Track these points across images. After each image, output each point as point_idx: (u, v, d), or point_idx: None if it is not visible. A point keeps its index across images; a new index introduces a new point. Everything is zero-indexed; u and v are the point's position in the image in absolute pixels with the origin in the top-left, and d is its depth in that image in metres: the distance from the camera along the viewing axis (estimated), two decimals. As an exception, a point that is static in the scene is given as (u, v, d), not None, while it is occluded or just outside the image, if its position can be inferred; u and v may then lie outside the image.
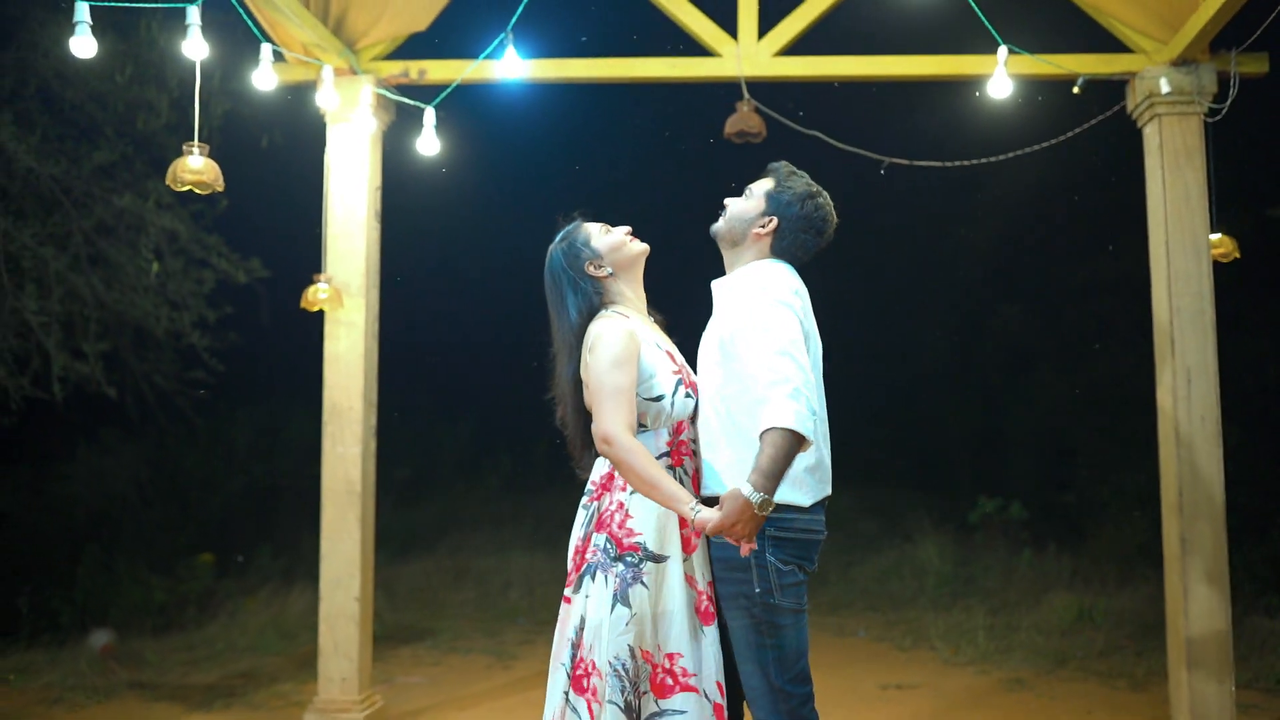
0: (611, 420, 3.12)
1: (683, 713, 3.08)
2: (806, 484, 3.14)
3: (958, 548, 10.58)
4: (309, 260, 5.75)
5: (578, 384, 3.35)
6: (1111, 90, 5.65)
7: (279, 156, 8.93)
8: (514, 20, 5.32)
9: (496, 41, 5.39)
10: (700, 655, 3.15)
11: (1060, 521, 10.75)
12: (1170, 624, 5.32)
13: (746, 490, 2.85)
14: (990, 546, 10.69)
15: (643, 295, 3.53)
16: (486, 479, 14.52)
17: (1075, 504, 11.06)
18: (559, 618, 3.31)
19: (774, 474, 2.86)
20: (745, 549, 2.93)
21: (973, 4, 5.08)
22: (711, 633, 3.18)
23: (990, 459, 13.02)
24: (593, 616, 3.14)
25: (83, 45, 3.97)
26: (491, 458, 14.78)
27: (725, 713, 3.15)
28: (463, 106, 5.99)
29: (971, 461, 13.58)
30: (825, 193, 3.44)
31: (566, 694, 3.15)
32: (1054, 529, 10.57)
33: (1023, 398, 13.05)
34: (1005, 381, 13.48)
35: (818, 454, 3.17)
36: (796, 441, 2.87)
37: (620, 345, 3.21)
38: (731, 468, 3.16)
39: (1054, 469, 12.05)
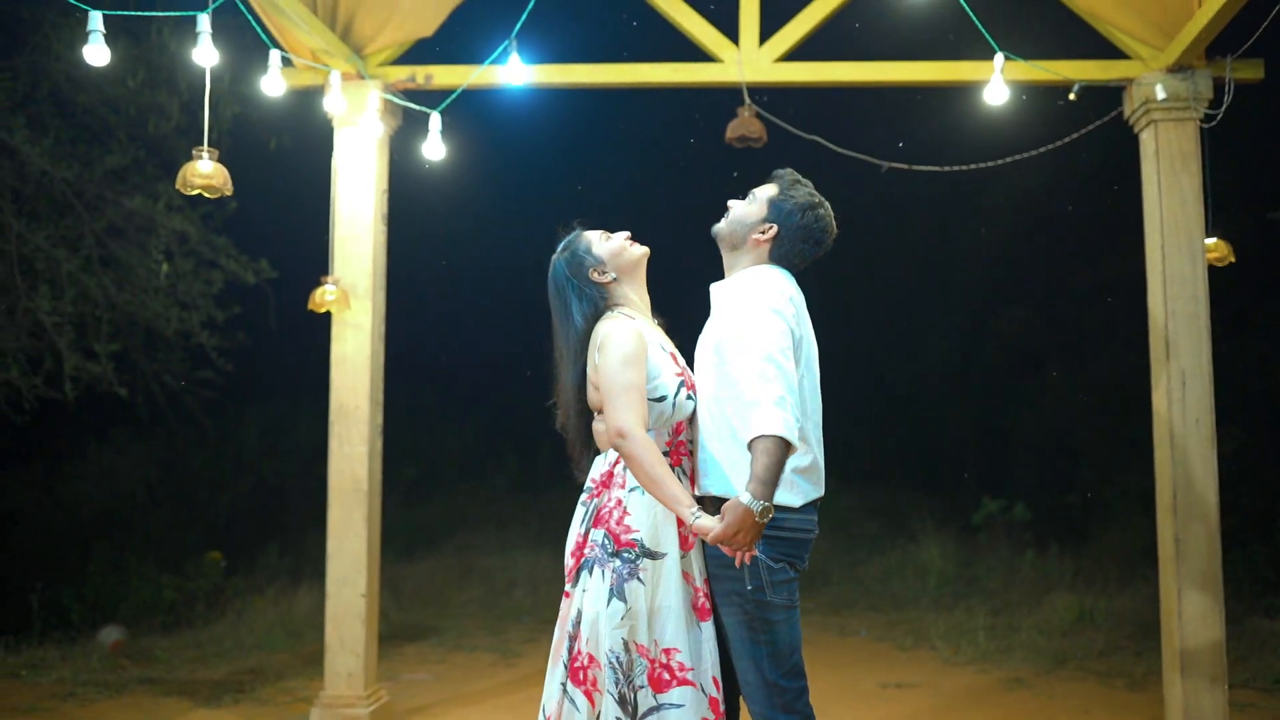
0: (625, 416, 3.19)
1: (680, 706, 3.16)
2: (797, 485, 3.21)
3: (961, 548, 10.63)
4: (316, 262, 5.83)
5: (581, 389, 3.43)
6: (1110, 96, 5.70)
7: (287, 159, 9.02)
8: (519, 26, 5.40)
9: (501, 48, 5.46)
10: (697, 650, 3.23)
11: (1063, 522, 10.80)
12: (1164, 626, 5.38)
13: (746, 499, 2.92)
14: (993, 547, 10.73)
15: (646, 298, 3.60)
16: (492, 479, 14.62)
17: (1079, 505, 11.10)
18: (559, 613, 3.40)
19: (770, 481, 2.92)
20: (745, 557, 3.00)
21: (970, 13, 5.14)
22: (708, 628, 3.26)
23: (994, 460, 13.06)
24: (589, 610, 3.22)
25: (96, 53, 4.05)
26: (497, 458, 14.88)
27: (721, 706, 3.23)
28: (469, 111, 6.06)
29: (976, 463, 13.62)
30: (827, 203, 3.50)
31: (564, 685, 3.23)
32: (1057, 530, 10.62)
33: (1027, 399, 13.09)
34: (1010, 383, 13.53)
35: (811, 456, 3.25)
36: (785, 447, 2.94)
37: (631, 344, 3.29)
38: (724, 468, 3.24)
39: (1058, 470, 12.09)
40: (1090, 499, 10.80)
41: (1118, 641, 7.63)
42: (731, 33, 5.74)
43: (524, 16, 5.36)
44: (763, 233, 3.44)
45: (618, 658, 3.16)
